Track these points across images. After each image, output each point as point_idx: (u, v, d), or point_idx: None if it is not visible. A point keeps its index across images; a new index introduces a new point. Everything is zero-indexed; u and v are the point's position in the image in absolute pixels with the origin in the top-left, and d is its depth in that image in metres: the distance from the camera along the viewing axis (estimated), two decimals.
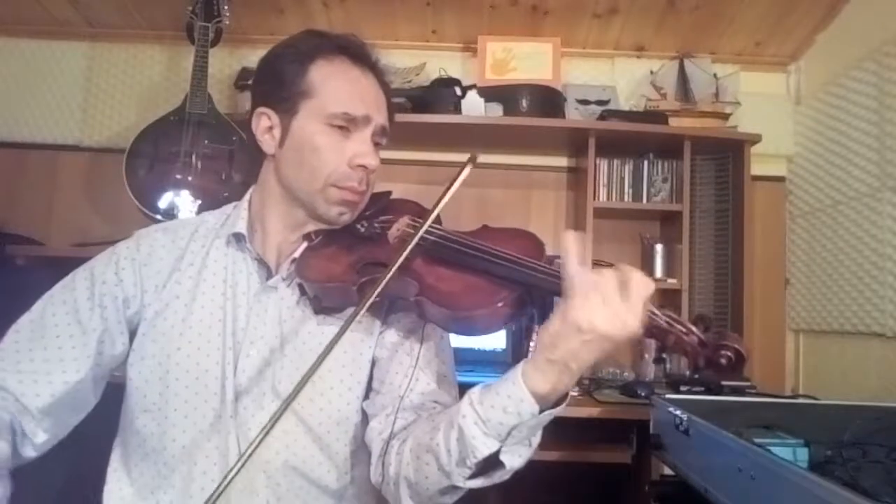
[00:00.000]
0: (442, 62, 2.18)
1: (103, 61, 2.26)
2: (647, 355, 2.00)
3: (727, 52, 2.21)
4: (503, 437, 0.66)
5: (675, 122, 2.06)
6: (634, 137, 2.04)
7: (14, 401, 0.76)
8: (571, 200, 2.24)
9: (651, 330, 0.66)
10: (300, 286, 0.85)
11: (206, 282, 0.85)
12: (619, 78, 2.25)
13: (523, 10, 2.07)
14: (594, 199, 2.02)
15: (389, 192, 0.96)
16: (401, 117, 1.96)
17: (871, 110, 1.77)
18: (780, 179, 2.21)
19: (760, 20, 2.05)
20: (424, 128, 2.01)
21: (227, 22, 1.92)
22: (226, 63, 2.22)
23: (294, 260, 0.85)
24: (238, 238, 0.87)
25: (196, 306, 0.84)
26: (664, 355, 0.66)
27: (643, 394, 1.62)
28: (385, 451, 0.77)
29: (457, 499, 0.75)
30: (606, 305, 0.61)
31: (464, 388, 0.73)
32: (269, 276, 0.86)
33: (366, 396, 0.85)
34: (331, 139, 0.83)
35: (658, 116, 2.07)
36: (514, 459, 0.68)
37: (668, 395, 1.29)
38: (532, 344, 0.67)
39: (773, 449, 0.90)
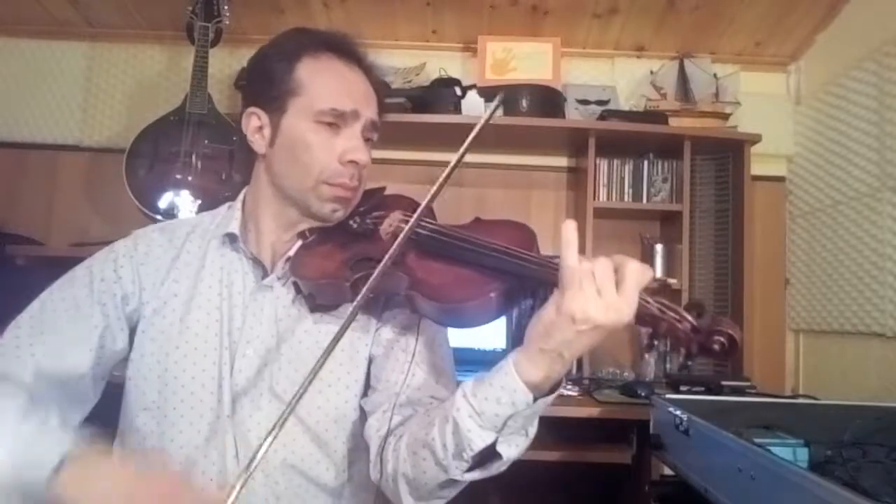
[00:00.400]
0: (442, 62, 2.19)
1: (103, 61, 2.26)
2: (647, 355, 2.00)
3: (727, 52, 2.21)
4: (499, 429, 0.66)
5: (675, 122, 2.06)
6: (634, 137, 2.04)
7: (25, 388, 0.75)
8: (571, 200, 2.24)
9: (643, 317, 0.66)
10: (295, 284, 0.85)
11: (203, 282, 0.86)
12: (619, 78, 2.25)
13: (523, 10, 2.07)
14: (594, 199, 2.02)
15: (383, 188, 0.95)
16: (401, 117, 1.97)
17: (871, 110, 1.77)
18: (780, 179, 2.21)
19: (760, 20, 2.05)
20: (424, 128, 2.01)
21: (227, 22, 1.92)
22: (226, 63, 2.22)
23: (288, 259, 0.85)
24: (231, 238, 0.87)
25: (193, 306, 0.84)
26: (657, 342, 0.65)
27: (643, 394, 1.62)
28: (383, 448, 0.77)
29: (456, 493, 0.75)
30: (601, 296, 0.61)
31: None
32: (265, 275, 0.86)
33: (364, 394, 0.86)
34: (320, 136, 0.83)
35: (658, 116, 2.07)
36: (510, 450, 0.68)
37: (668, 395, 1.29)
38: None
39: (773, 449, 0.90)
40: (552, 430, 1.64)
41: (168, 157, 1.83)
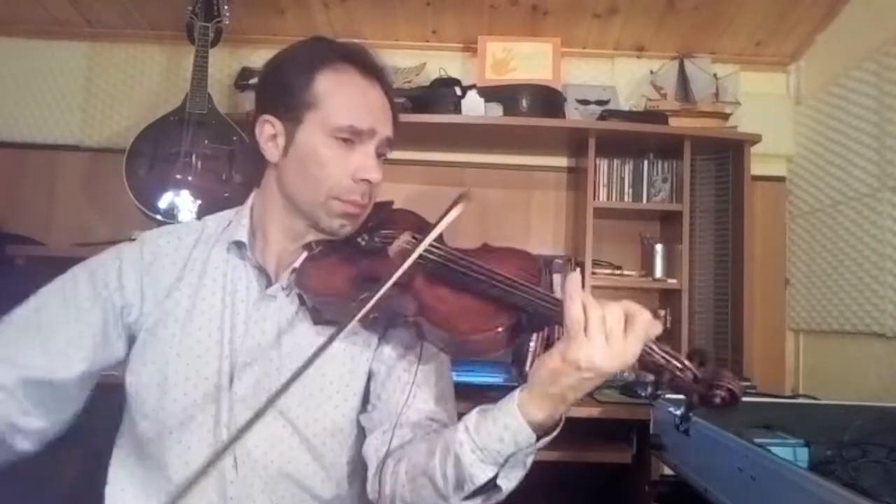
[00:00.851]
0: (442, 62, 2.19)
1: (103, 61, 2.26)
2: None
3: (727, 52, 2.21)
4: (500, 464, 0.67)
5: (675, 122, 2.06)
6: (634, 137, 2.03)
7: (6, 396, 0.74)
8: (571, 200, 2.24)
9: (647, 364, 0.67)
10: (299, 296, 0.84)
11: (205, 288, 0.85)
12: (619, 78, 2.25)
13: (523, 10, 2.07)
14: (594, 199, 2.02)
15: (391, 202, 0.95)
16: (401, 117, 1.94)
17: (871, 110, 1.77)
18: (780, 179, 2.21)
19: (760, 20, 2.05)
20: (424, 128, 2.01)
21: (227, 22, 1.92)
22: (226, 63, 2.22)
23: (294, 270, 0.84)
24: (239, 246, 0.86)
25: (196, 313, 0.83)
26: (659, 392, 0.66)
27: (643, 394, 1.62)
28: (381, 469, 0.77)
29: None
30: (609, 344, 0.63)
31: (464, 389, 0.73)
32: (269, 284, 0.86)
33: (362, 409, 0.85)
34: (335, 152, 0.82)
35: (658, 116, 2.07)
36: (510, 483, 0.69)
37: (668, 395, 1.28)
38: (532, 345, 0.68)
39: (773, 449, 0.90)
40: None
41: (168, 157, 1.82)
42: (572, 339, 0.64)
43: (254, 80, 2.05)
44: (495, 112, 2.04)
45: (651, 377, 0.69)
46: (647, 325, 0.64)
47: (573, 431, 1.56)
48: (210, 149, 1.85)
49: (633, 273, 2.08)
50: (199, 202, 1.82)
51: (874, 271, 1.72)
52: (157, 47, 2.25)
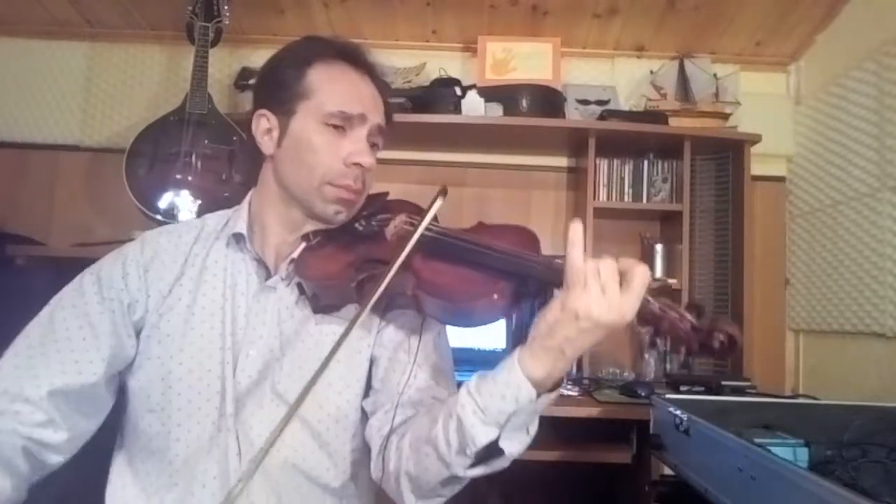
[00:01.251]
0: (442, 62, 2.19)
1: (103, 61, 2.26)
2: (647, 355, 2.00)
3: (727, 52, 2.21)
4: (502, 424, 0.67)
5: (675, 122, 2.06)
6: (634, 137, 2.04)
7: (31, 411, 0.75)
8: (571, 200, 2.24)
9: (645, 316, 0.68)
10: (299, 285, 0.86)
11: (206, 283, 0.86)
12: (619, 78, 2.25)
13: (523, 10, 2.07)
14: (594, 199, 2.02)
15: (386, 193, 0.97)
16: (401, 117, 1.96)
17: (871, 110, 1.77)
18: (780, 179, 2.21)
19: (760, 20, 2.05)
20: (424, 128, 2.01)
21: (227, 22, 1.92)
22: (226, 63, 2.22)
23: (292, 260, 0.86)
24: (238, 238, 0.88)
25: (197, 307, 0.85)
26: (658, 340, 0.67)
27: (643, 394, 1.62)
28: (384, 447, 0.78)
29: (457, 490, 0.76)
30: (605, 295, 0.63)
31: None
32: (268, 276, 0.87)
33: (365, 395, 0.86)
34: (326, 138, 0.84)
35: (658, 116, 2.07)
36: (513, 446, 0.69)
37: (668, 395, 1.28)
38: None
39: (773, 449, 0.90)
40: (552, 430, 1.64)
41: (168, 157, 1.82)
42: (571, 287, 0.64)
43: (254, 80, 2.05)
44: (495, 112, 2.04)
45: (650, 329, 0.70)
46: (643, 279, 0.64)
47: (573, 431, 1.57)
48: (210, 149, 1.85)
49: None
50: (199, 202, 1.82)
51: (874, 271, 1.72)
52: (157, 47, 2.25)
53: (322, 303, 0.84)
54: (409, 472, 0.74)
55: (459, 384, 0.85)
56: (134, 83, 2.24)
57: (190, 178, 1.83)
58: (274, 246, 0.89)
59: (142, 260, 0.87)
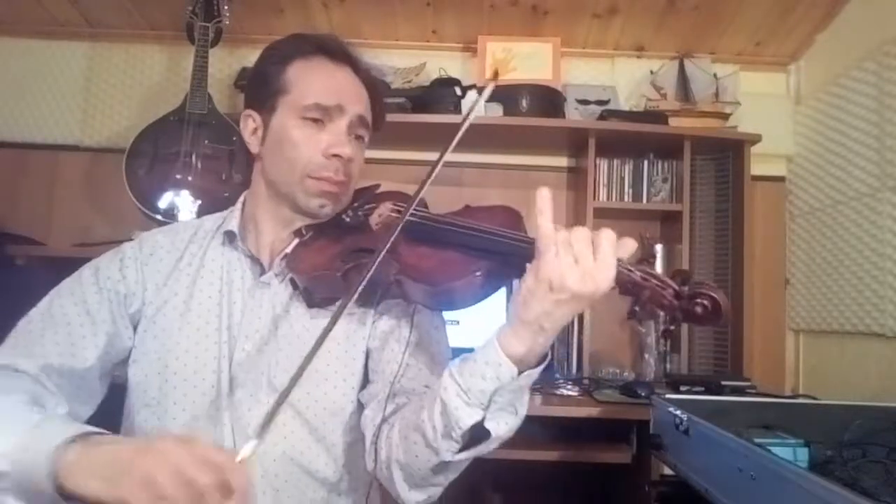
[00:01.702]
0: (442, 62, 2.19)
1: (103, 61, 2.26)
2: (647, 355, 2.00)
3: (727, 52, 2.21)
4: (485, 405, 0.67)
5: (675, 122, 2.06)
6: (634, 137, 2.03)
7: (31, 381, 0.76)
8: (571, 200, 2.24)
9: (625, 285, 0.66)
10: (292, 280, 0.87)
11: (203, 279, 0.88)
12: (619, 78, 2.25)
13: (523, 10, 2.07)
14: (594, 199, 2.02)
15: (377, 185, 0.97)
16: (401, 117, 1.97)
17: (871, 110, 1.77)
18: (780, 179, 2.21)
19: (760, 20, 2.05)
20: (424, 128, 2.01)
21: (227, 22, 1.92)
22: (226, 63, 2.22)
23: (285, 256, 0.87)
24: (230, 237, 0.90)
25: (193, 303, 0.86)
26: (637, 309, 0.64)
27: (643, 394, 1.62)
28: (377, 437, 0.78)
29: (450, 479, 0.75)
30: (578, 264, 0.62)
31: None
32: (263, 273, 0.89)
33: (362, 388, 0.87)
34: (305, 132, 0.86)
35: (658, 116, 2.07)
36: (499, 427, 0.68)
37: (668, 395, 1.29)
38: None
39: (773, 449, 0.90)
40: (552, 430, 1.64)
41: (168, 157, 1.82)
42: (542, 255, 0.63)
43: None
44: (495, 112, 2.04)
45: (632, 298, 0.68)
46: (611, 239, 0.63)
47: (573, 431, 1.57)
48: (210, 149, 1.85)
49: None
50: (199, 202, 1.82)
51: (874, 271, 1.72)
52: (157, 47, 2.25)
53: (315, 296, 0.85)
54: (399, 460, 0.74)
55: None
56: (134, 83, 2.24)
57: (190, 178, 1.82)
58: (268, 243, 0.91)
59: (140, 255, 0.89)
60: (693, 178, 2.09)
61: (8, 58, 2.24)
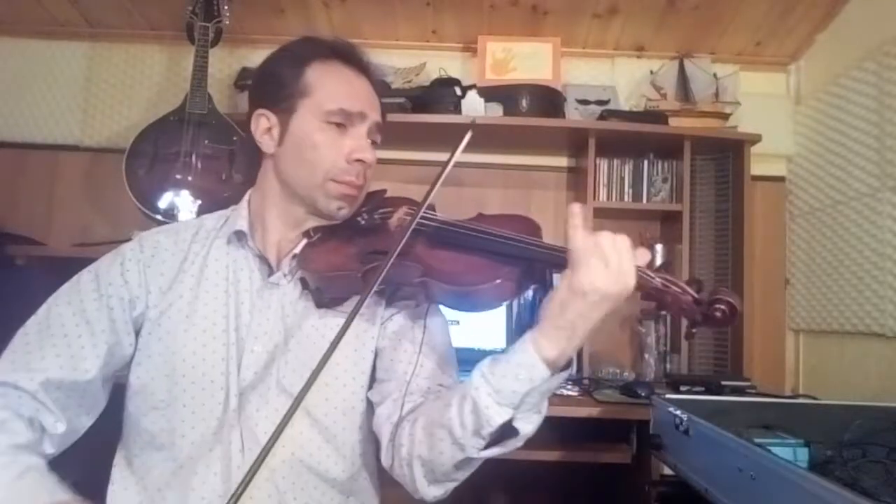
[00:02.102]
0: (442, 62, 2.18)
1: (103, 61, 2.25)
2: (647, 355, 2.00)
3: (727, 52, 2.21)
4: (516, 405, 0.70)
5: (675, 122, 2.06)
6: (634, 137, 2.03)
7: (31, 399, 0.76)
8: (571, 200, 2.23)
9: (649, 291, 0.72)
10: (302, 280, 0.87)
11: (207, 280, 0.87)
12: (619, 78, 2.25)
13: (523, 10, 2.07)
14: (594, 199, 2.02)
15: (384, 191, 0.98)
16: (401, 117, 1.97)
17: (871, 110, 1.77)
18: (780, 179, 2.21)
19: (760, 20, 2.05)
20: (424, 128, 2.01)
21: (227, 22, 1.92)
22: (226, 63, 2.22)
23: (294, 256, 0.87)
24: (239, 236, 0.89)
25: (199, 304, 0.85)
26: (662, 313, 0.78)
27: (643, 394, 1.62)
28: (395, 434, 0.80)
29: (468, 474, 0.78)
30: (608, 268, 0.67)
31: None
32: (270, 272, 0.88)
33: (369, 386, 0.88)
34: (328, 135, 0.86)
35: (658, 116, 2.06)
36: (526, 426, 0.72)
37: (668, 395, 1.28)
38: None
39: (773, 449, 0.90)
40: (552, 430, 1.64)
41: (168, 157, 1.82)
42: (577, 267, 0.68)
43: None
44: (495, 112, 2.04)
45: (655, 303, 0.73)
46: (628, 245, 0.69)
47: (573, 431, 1.57)
48: (210, 149, 1.85)
49: None
50: (199, 202, 1.82)
51: (874, 271, 1.72)
52: (157, 47, 2.25)
53: (326, 296, 0.86)
54: (422, 456, 0.76)
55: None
56: (134, 83, 2.24)
57: (190, 178, 1.82)
58: (275, 243, 0.90)
59: (141, 257, 0.87)
60: (693, 178, 2.09)
61: (8, 58, 2.24)
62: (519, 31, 2.15)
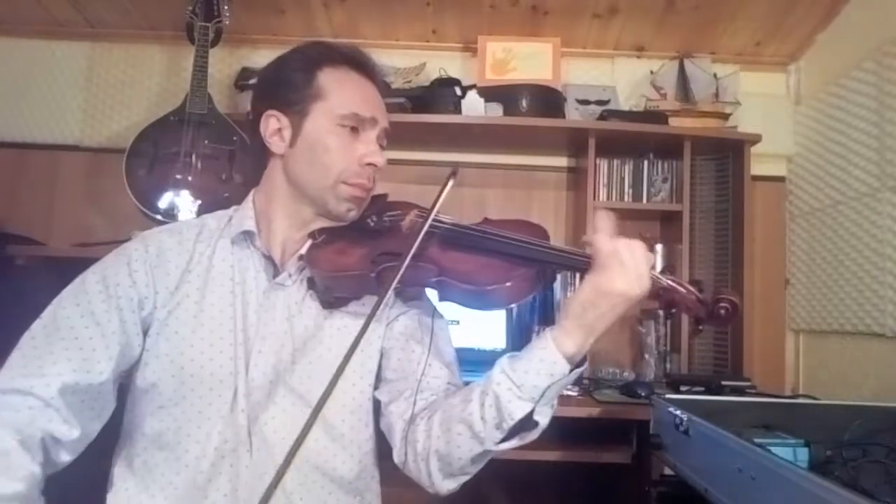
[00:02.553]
0: (442, 62, 2.18)
1: (103, 61, 2.25)
2: (647, 355, 2.00)
3: (727, 52, 2.21)
4: (536, 399, 0.75)
5: (675, 122, 2.06)
6: (634, 137, 2.03)
7: (43, 407, 0.74)
8: (571, 200, 2.24)
9: (657, 291, 0.77)
10: (309, 280, 0.88)
11: (214, 280, 0.87)
12: (619, 78, 2.25)
13: (523, 10, 2.07)
14: (594, 199, 2.02)
15: (387, 194, 1.00)
16: (401, 117, 1.97)
17: (871, 110, 1.77)
18: (780, 179, 2.21)
19: (760, 20, 2.05)
20: (424, 128, 2.01)
21: (227, 22, 1.92)
22: (226, 63, 2.22)
23: (301, 256, 0.88)
24: (247, 236, 0.90)
25: (206, 304, 0.86)
26: (673, 311, 0.81)
27: (643, 394, 1.62)
28: (409, 431, 0.83)
29: (481, 467, 0.82)
30: (628, 271, 0.73)
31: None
32: (276, 272, 0.89)
33: (376, 386, 0.90)
34: (341, 139, 0.88)
35: (658, 116, 2.07)
36: (543, 419, 0.77)
37: (668, 395, 1.28)
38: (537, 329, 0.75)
39: (773, 449, 0.90)
40: (552, 430, 1.64)
41: (168, 157, 1.82)
42: (603, 270, 0.73)
43: (254, 80, 2.05)
44: (495, 112, 2.04)
45: (663, 303, 0.79)
46: (643, 247, 0.75)
47: (573, 431, 1.57)
48: (210, 149, 1.85)
49: None
50: (199, 202, 1.82)
51: (874, 271, 1.72)
52: (157, 47, 2.25)
53: (334, 295, 0.88)
54: (439, 450, 0.79)
55: (466, 382, 0.89)
56: (134, 83, 2.24)
57: (190, 178, 1.82)
58: (280, 243, 0.91)
59: (147, 258, 0.87)
60: (693, 178, 2.09)
61: (8, 58, 2.24)
62: (519, 31, 2.15)
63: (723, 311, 0.76)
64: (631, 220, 2.16)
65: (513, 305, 0.86)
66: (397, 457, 0.84)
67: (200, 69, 1.86)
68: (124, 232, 1.75)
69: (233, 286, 0.87)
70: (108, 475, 0.86)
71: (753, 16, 2.03)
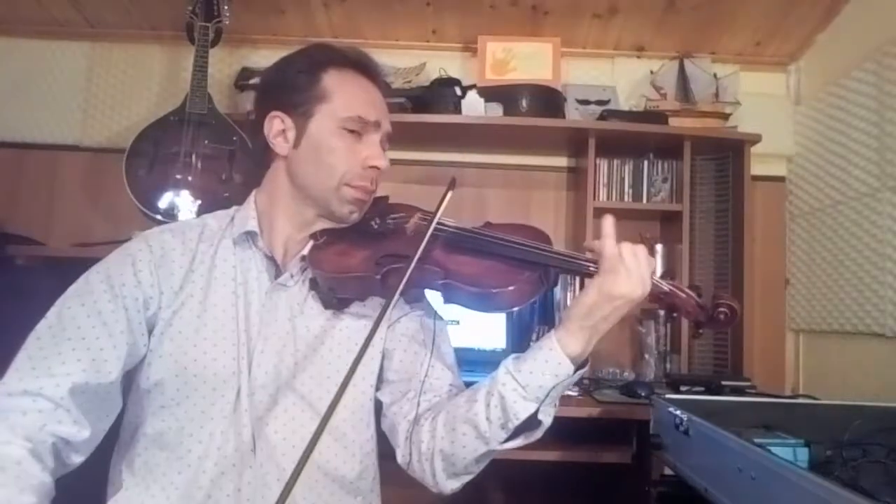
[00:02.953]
0: (442, 62, 2.18)
1: (103, 61, 2.25)
2: (647, 355, 2.00)
3: (727, 52, 2.21)
4: (541, 399, 0.76)
5: (675, 122, 2.06)
6: (634, 137, 2.03)
7: (53, 409, 0.74)
8: (571, 200, 2.24)
9: (658, 295, 0.80)
10: (312, 281, 0.89)
11: (216, 280, 0.88)
12: (619, 78, 2.25)
13: (523, 10, 2.07)
14: (594, 199, 2.02)
15: (388, 197, 1.01)
16: (401, 117, 1.97)
17: (871, 110, 1.77)
18: (780, 179, 2.21)
19: (760, 20, 2.05)
20: (424, 128, 2.01)
21: (227, 22, 1.91)
22: (226, 63, 2.22)
23: (303, 257, 0.89)
24: (250, 237, 0.90)
25: (209, 304, 0.86)
26: (674, 315, 0.85)
27: (643, 394, 1.62)
28: (413, 431, 0.84)
29: (485, 465, 0.83)
30: (632, 275, 0.75)
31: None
32: (278, 273, 0.90)
33: (377, 387, 0.92)
34: (345, 142, 0.89)
35: (658, 116, 2.06)
36: (547, 419, 0.79)
37: (668, 395, 1.28)
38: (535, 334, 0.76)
39: (773, 449, 0.90)
40: (552, 430, 1.64)
41: (168, 157, 1.82)
42: (609, 274, 0.76)
43: (254, 80, 2.05)
44: (495, 112, 2.04)
45: (664, 307, 0.82)
46: (646, 251, 0.78)
47: (573, 431, 1.57)
48: (210, 149, 1.84)
49: None
50: (199, 202, 1.82)
51: (874, 271, 1.72)
52: (157, 47, 2.25)
53: (337, 296, 0.88)
54: (443, 450, 0.81)
55: (467, 383, 0.91)
56: (134, 83, 2.24)
57: (190, 178, 1.82)
58: (281, 244, 0.92)
59: (151, 258, 0.86)
60: (693, 178, 2.09)
61: (8, 58, 2.24)
62: (519, 31, 2.15)
63: (722, 316, 0.78)
64: (631, 220, 2.15)
65: (517, 307, 0.86)
66: (401, 457, 0.86)
67: (200, 69, 1.86)
68: (124, 232, 1.75)
69: (235, 286, 0.88)
70: (107, 475, 0.86)
71: (753, 16, 2.03)
